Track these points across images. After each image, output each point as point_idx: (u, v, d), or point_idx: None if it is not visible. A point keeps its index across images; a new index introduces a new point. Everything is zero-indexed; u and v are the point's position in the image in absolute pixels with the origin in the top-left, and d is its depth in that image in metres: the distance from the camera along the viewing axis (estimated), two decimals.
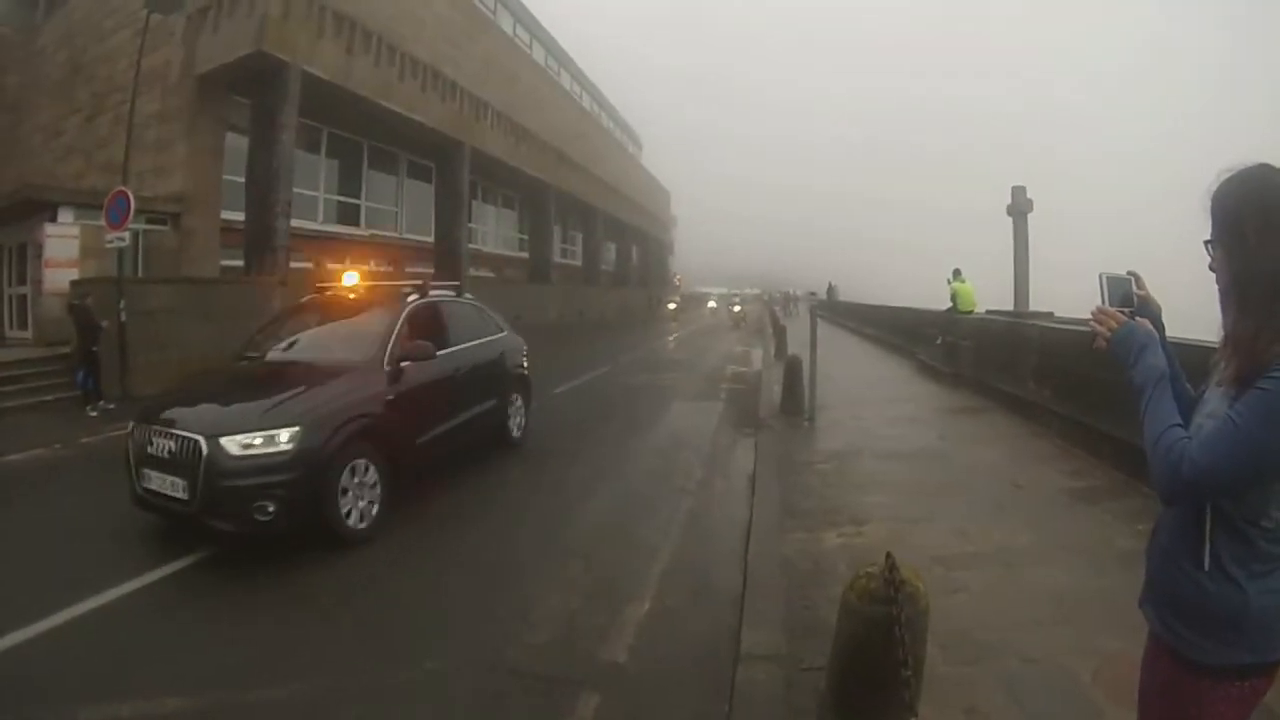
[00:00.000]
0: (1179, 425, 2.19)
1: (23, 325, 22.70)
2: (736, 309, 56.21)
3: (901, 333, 27.13)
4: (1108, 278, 2.76)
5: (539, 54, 47.43)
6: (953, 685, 4.44)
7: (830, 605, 5.12)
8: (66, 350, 17.77)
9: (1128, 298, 2.74)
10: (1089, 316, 2.66)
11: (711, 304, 74.63)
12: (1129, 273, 2.77)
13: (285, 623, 6.10)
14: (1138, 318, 2.59)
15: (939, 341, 19.85)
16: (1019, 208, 25.34)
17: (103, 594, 6.50)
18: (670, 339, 36.11)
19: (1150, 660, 2.47)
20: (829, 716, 3.48)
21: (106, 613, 6.24)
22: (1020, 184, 25.51)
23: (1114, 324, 2.54)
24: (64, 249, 20.05)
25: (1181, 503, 2.25)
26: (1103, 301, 2.73)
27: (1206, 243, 2.32)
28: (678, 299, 68.65)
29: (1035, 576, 6.17)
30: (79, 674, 5.24)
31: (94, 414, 15.23)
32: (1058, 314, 16.06)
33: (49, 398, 16.41)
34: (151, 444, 7.49)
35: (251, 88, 23.58)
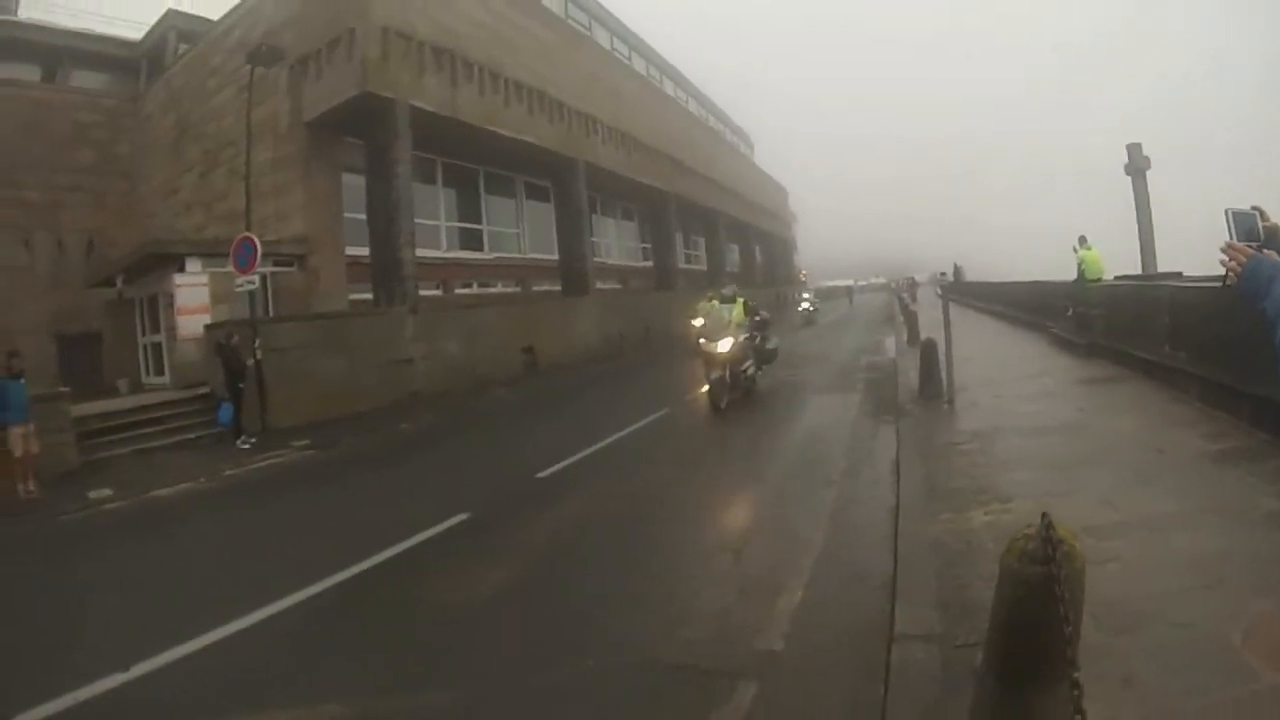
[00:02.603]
0: None
1: (159, 371, 23.71)
2: (699, 321, 18.09)
3: (1030, 308, 26.60)
4: (1234, 213, 2.80)
5: (639, 65, 47.71)
6: (1107, 655, 4.41)
7: (982, 582, 5.16)
8: (205, 391, 18.51)
9: (1253, 232, 2.77)
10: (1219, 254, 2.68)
11: (805, 305, 49.72)
12: (1253, 207, 2.79)
13: (439, 630, 6.31)
14: (1265, 250, 2.62)
15: (1069, 313, 19.49)
16: (1136, 165, 24.57)
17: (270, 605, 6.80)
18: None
19: None
20: (988, 681, 3.51)
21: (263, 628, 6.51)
22: (1135, 141, 24.82)
23: (1243, 258, 2.56)
24: (195, 296, 20.81)
25: None
26: (1230, 237, 2.76)
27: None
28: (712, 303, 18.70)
29: (1183, 542, 6.06)
30: (222, 693, 5.46)
31: (245, 446, 15.93)
32: (1186, 273, 15.70)
33: (191, 436, 17.16)
34: None
35: (362, 128, 24.31)
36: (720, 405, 15.92)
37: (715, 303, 17.90)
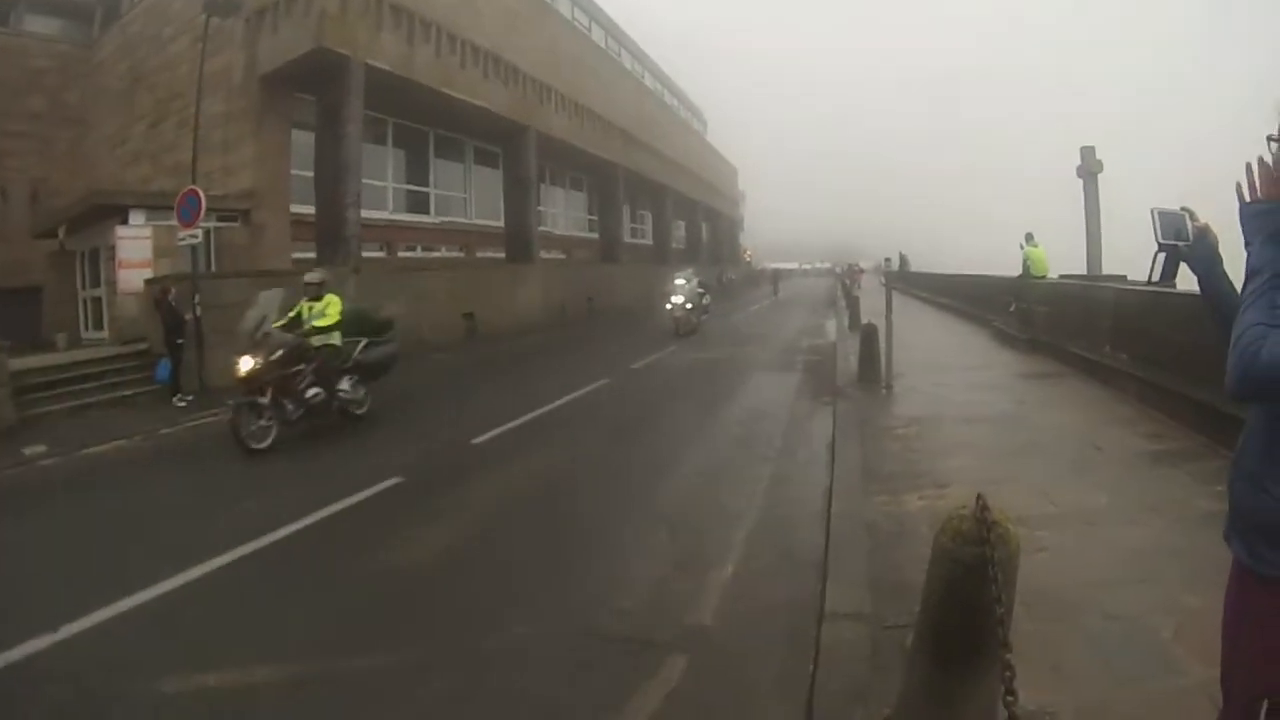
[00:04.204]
0: (1265, 325, 2.15)
1: (98, 326, 23.35)
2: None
3: (975, 300, 26.86)
4: (1159, 212, 2.79)
5: (598, 36, 47.41)
6: (1038, 642, 4.44)
7: (914, 565, 5.14)
8: (143, 347, 18.24)
9: (1181, 232, 2.76)
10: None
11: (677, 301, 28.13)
12: (1182, 208, 2.78)
13: (371, 594, 6.26)
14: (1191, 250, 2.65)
15: (1012, 308, 19.67)
16: (1088, 168, 24.93)
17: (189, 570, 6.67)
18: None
19: (1236, 592, 2.44)
20: (919, 660, 3.50)
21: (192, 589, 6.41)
22: (1089, 144, 25.13)
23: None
24: (137, 250, 20.47)
25: (1251, 395, 2.20)
26: (1155, 236, 2.76)
27: (1270, 138, 2.30)
28: None
29: (1117, 536, 6.15)
30: (163, 651, 5.38)
31: (181, 404, 15.72)
32: (1130, 277, 15.86)
33: (128, 393, 16.78)
34: None
35: (315, 84, 23.99)
36: None
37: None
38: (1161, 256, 3.01)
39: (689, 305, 27.62)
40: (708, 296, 31.09)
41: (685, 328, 26.90)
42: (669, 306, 27.58)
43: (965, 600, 3.11)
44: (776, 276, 65.92)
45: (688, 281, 28.62)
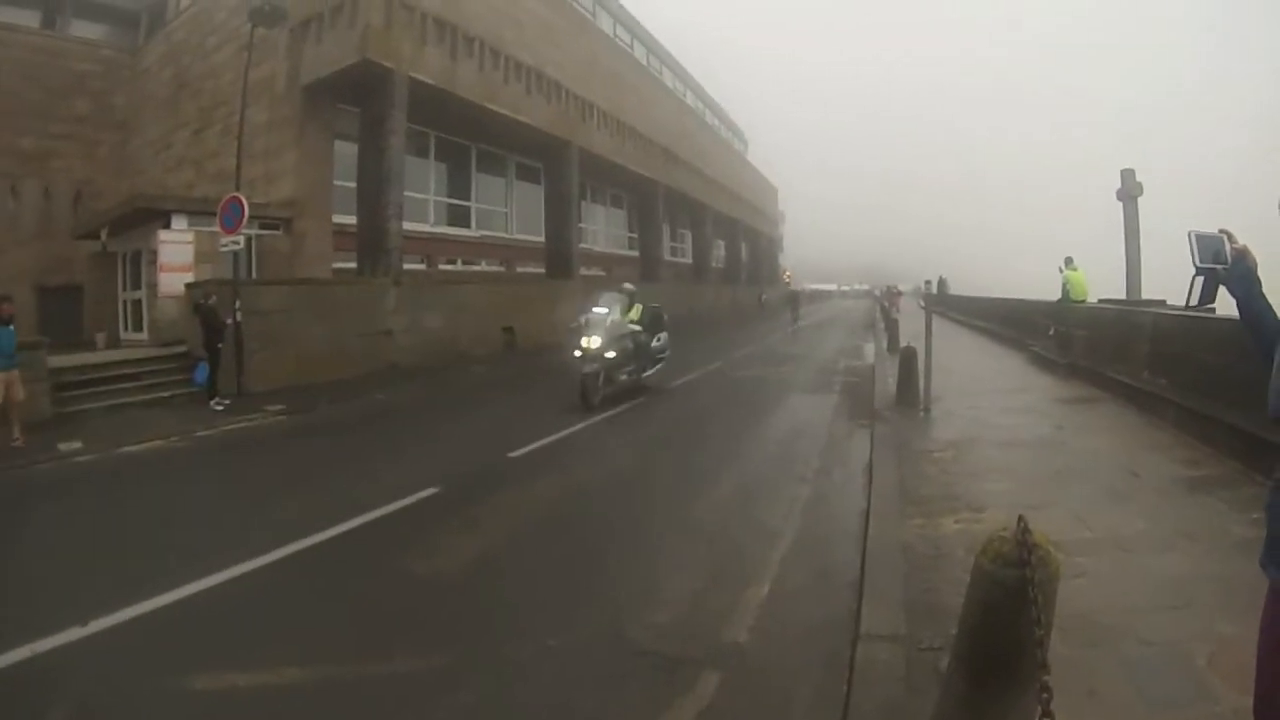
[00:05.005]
0: None
1: (137, 328, 23.55)
2: None
3: (1013, 324, 26.66)
4: (1197, 235, 2.79)
5: (640, 53, 47.55)
6: (1073, 667, 4.41)
7: (950, 587, 5.18)
8: (182, 350, 18.47)
9: (1220, 255, 2.76)
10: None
11: (588, 347, 15.40)
12: (1220, 230, 2.78)
13: (402, 601, 6.29)
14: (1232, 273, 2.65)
15: (1051, 332, 19.55)
16: (1129, 191, 24.76)
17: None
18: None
19: (1273, 619, 2.44)
20: (955, 682, 3.50)
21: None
22: (1129, 167, 24.99)
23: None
24: (178, 254, 20.68)
25: None
26: (1193, 260, 2.76)
27: None
28: None
29: (1153, 563, 6.11)
30: (179, 653, 5.39)
31: (219, 408, 15.82)
32: (1170, 302, 15.76)
33: (166, 394, 17.00)
34: None
35: (358, 96, 24.20)
36: None
37: None
38: (1200, 279, 2.99)
39: (611, 354, 16.07)
40: (662, 336, 18.75)
41: (598, 392, 15.53)
42: (577, 353, 15.76)
43: (1003, 621, 3.12)
44: (796, 300, 48.13)
45: (619, 311, 17.01)
